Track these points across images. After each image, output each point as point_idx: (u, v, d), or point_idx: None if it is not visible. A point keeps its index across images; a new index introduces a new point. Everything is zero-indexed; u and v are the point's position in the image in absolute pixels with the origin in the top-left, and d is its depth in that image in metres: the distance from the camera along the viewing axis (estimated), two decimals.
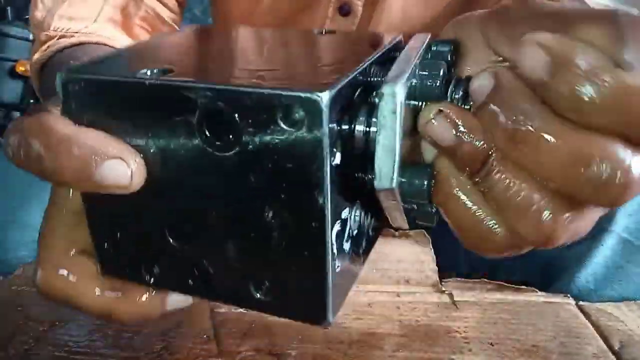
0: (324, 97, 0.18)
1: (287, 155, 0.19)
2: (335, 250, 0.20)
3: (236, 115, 0.19)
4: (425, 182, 0.21)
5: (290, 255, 0.20)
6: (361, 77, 0.21)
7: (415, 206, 0.22)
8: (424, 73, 0.21)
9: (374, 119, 0.20)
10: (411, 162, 0.22)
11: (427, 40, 0.23)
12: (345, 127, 0.20)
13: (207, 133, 0.20)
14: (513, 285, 0.41)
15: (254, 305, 0.21)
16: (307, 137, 0.18)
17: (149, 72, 0.21)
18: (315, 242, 0.20)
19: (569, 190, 0.19)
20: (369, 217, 0.23)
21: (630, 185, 0.18)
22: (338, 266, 0.21)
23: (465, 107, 0.21)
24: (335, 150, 0.19)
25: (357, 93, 0.20)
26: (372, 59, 0.22)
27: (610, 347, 0.35)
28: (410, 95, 0.21)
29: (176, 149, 0.20)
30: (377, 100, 0.19)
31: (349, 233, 0.21)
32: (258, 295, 0.21)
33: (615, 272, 0.45)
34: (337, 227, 0.20)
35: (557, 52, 0.18)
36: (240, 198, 0.20)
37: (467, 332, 0.36)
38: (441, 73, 0.21)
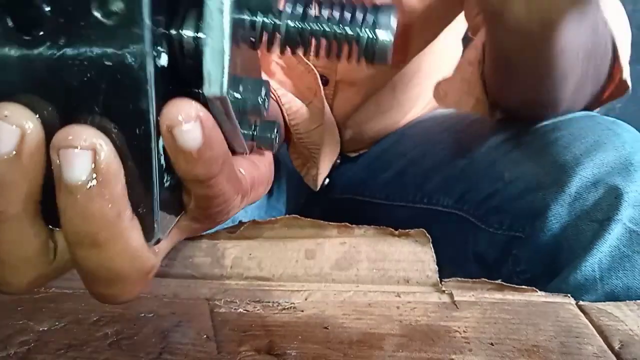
0: None
1: (104, 52, 0.17)
2: (163, 162, 0.20)
3: (47, 5, 0.17)
4: (262, 94, 0.20)
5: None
6: None
7: (254, 129, 0.22)
8: None
9: (193, 21, 0.19)
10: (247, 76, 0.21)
11: None
12: (172, 28, 0.18)
13: (10, 25, 0.18)
14: (513, 285, 0.41)
15: None
16: (127, 31, 0.17)
17: None
18: (140, 149, 0.19)
19: None
20: None
21: None
22: (167, 180, 0.20)
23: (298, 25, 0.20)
24: (160, 49, 0.18)
25: None
26: None
27: (611, 347, 0.35)
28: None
29: None
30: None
31: None
32: None
33: (620, 261, 0.45)
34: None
35: None
36: (53, 102, 0.19)
37: (467, 332, 0.36)
38: None
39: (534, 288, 0.41)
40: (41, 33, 0.17)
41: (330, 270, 0.42)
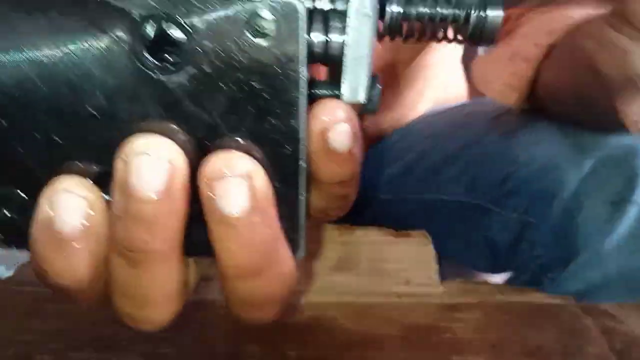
0: (301, 0, 0.16)
1: (254, 73, 0.16)
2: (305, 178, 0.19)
3: (190, 29, 0.16)
4: (378, 91, 0.19)
5: None
6: None
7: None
8: None
9: (337, 25, 0.18)
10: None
11: None
12: (313, 31, 0.17)
13: (146, 54, 0.16)
14: (514, 287, 0.41)
15: None
16: (281, 50, 0.16)
17: None
18: (288, 167, 0.18)
19: None
20: None
21: None
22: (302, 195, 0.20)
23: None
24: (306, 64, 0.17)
25: None
26: None
27: (613, 348, 0.35)
28: None
29: (98, 73, 0.17)
30: (343, 3, 0.17)
31: None
32: None
33: (637, 243, 0.44)
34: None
35: None
36: (189, 130, 0.18)
37: (468, 334, 0.36)
38: None
39: (536, 289, 0.41)
40: (181, 60, 0.16)
41: (331, 271, 0.42)
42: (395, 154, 0.71)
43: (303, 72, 0.17)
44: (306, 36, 0.16)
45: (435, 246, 0.43)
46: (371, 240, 0.44)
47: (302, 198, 0.19)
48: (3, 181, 0.19)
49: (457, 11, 0.20)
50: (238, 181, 0.17)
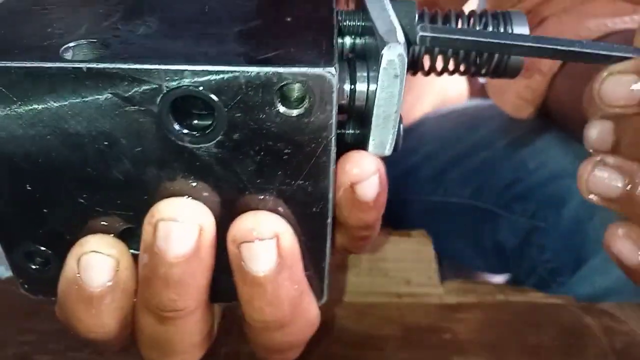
0: (334, 72, 0.15)
1: (284, 141, 0.16)
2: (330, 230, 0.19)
3: (218, 100, 0.16)
4: (401, 134, 0.19)
5: None
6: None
7: None
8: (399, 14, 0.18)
9: (363, 74, 0.17)
10: None
11: None
12: (346, 83, 0.17)
13: (174, 123, 0.16)
14: (514, 286, 0.41)
15: None
16: (312, 120, 0.16)
17: (72, 51, 0.16)
18: (315, 223, 0.18)
19: None
20: None
21: None
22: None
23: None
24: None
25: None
26: (335, 10, 0.19)
27: (613, 348, 0.35)
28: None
29: (128, 145, 0.17)
30: (374, 56, 0.17)
31: None
32: None
33: None
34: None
35: None
36: (217, 191, 0.18)
37: (468, 334, 0.36)
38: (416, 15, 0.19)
39: (535, 289, 0.41)
40: (210, 129, 0.16)
41: (331, 270, 0.42)
42: (397, 156, 0.71)
43: (334, 140, 0.16)
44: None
45: (439, 247, 0.43)
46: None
47: (327, 250, 0.19)
48: (29, 238, 0.19)
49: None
50: (265, 243, 0.17)
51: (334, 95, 0.16)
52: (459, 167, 0.63)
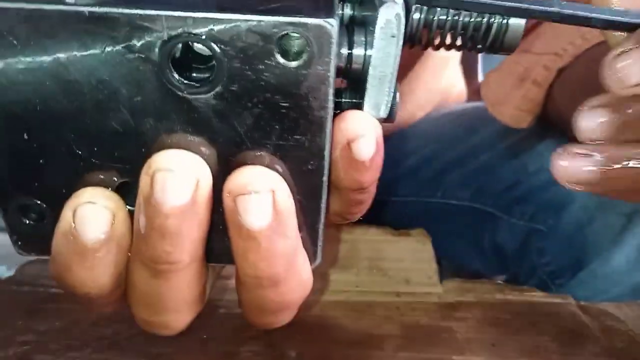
0: (334, 24, 0.15)
1: (282, 93, 0.16)
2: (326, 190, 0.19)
3: (218, 49, 0.16)
4: (397, 100, 0.19)
5: None
6: None
7: None
8: None
9: (361, 39, 0.17)
10: None
11: None
12: (342, 47, 0.17)
13: (174, 73, 0.16)
14: (514, 286, 0.41)
15: None
16: (310, 72, 0.16)
17: None
18: (311, 181, 0.18)
19: None
20: None
21: None
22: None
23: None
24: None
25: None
26: None
27: (613, 348, 0.35)
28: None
29: (128, 94, 0.17)
30: (369, 14, 0.17)
31: None
32: None
33: None
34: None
35: None
36: (214, 144, 0.18)
37: (467, 333, 0.36)
38: None
39: (535, 288, 0.41)
40: (209, 79, 0.16)
41: (330, 270, 0.42)
42: (397, 157, 0.71)
43: (331, 93, 0.17)
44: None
45: (438, 248, 0.43)
46: (371, 239, 0.44)
47: (322, 210, 0.19)
48: (24, 191, 0.19)
49: (478, 19, 0.20)
50: (261, 196, 0.18)
51: (333, 47, 0.16)
52: (458, 168, 0.63)
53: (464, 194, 0.61)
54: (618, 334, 0.36)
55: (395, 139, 0.75)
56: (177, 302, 0.20)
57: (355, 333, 0.36)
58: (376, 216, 0.64)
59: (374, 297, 0.39)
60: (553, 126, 0.55)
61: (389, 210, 0.69)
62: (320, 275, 0.41)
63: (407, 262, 0.42)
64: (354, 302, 0.38)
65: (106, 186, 0.18)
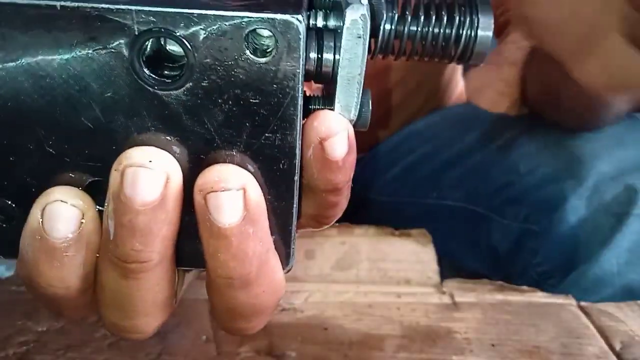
0: (302, 20, 0.16)
1: (252, 90, 0.17)
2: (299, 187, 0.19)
3: (189, 45, 0.16)
4: (369, 106, 0.20)
5: None
6: None
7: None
8: None
9: (330, 44, 0.18)
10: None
11: None
12: (311, 51, 0.18)
13: (144, 68, 0.16)
14: (514, 286, 0.41)
15: None
16: (279, 68, 0.16)
17: None
18: (282, 180, 0.18)
19: None
20: None
21: None
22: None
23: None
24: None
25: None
26: None
27: (612, 348, 0.35)
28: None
29: (99, 90, 0.17)
30: (339, 24, 0.17)
31: None
32: None
33: (638, 256, 0.45)
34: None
35: None
36: (185, 143, 0.18)
37: (468, 333, 0.36)
38: None
39: (535, 288, 0.41)
40: (179, 75, 0.17)
41: (330, 270, 0.42)
42: (395, 157, 0.71)
43: (301, 90, 0.17)
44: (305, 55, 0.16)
45: (436, 249, 0.43)
46: (371, 240, 0.44)
47: (294, 212, 0.19)
48: None
49: (447, 31, 0.20)
50: (232, 194, 0.17)
51: (301, 43, 0.16)
52: (453, 169, 0.63)
53: (459, 195, 0.62)
54: (618, 334, 0.36)
55: (392, 139, 0.75)
56: (146, 303, 0.20)
57: (355, 334, 0.35)
58: (376, 216, 0.64)
59: (373, 297, 0.39)
60: (537, 117, 0.56)
61: (385, 210, 0.69)
62: (320, 276, 0.41)
63: (407, 262, 0.42)
64: (353, 302, 0.38)
65: (76, 185, 0.18)
